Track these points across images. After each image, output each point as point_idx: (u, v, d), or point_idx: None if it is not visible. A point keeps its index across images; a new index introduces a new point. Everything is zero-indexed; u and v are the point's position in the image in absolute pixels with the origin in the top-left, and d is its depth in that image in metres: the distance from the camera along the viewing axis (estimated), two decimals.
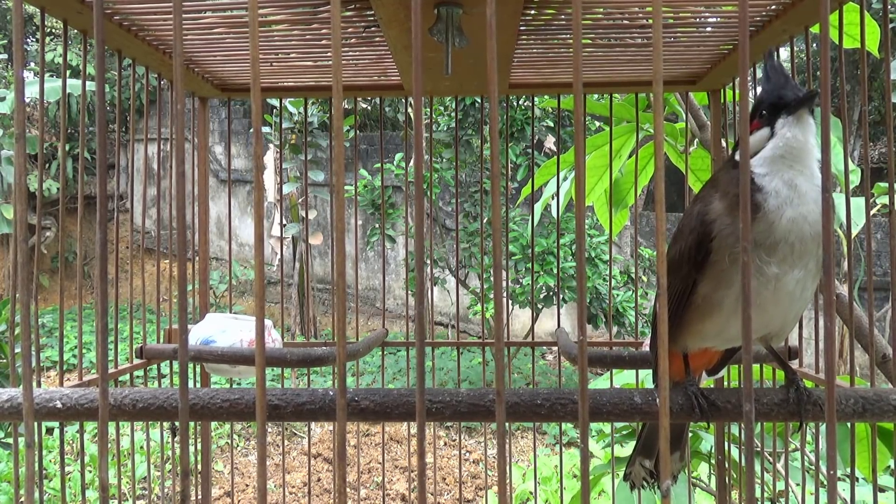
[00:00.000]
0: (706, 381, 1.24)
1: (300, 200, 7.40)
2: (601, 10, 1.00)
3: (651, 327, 1.38)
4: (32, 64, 9.19)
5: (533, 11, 0.99)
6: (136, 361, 1.26)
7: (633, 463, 1.00)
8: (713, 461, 1.45)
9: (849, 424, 0.99)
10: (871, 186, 1.02)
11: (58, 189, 8.55)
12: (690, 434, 1.31)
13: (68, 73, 2.07)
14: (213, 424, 2.51)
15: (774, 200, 0.72)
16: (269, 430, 4.33)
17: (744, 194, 0.41)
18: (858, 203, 1.34)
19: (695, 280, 0.76)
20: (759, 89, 0.84)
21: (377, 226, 6.86)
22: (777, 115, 0.76)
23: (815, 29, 1.01)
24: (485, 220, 5.41)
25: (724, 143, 1.35)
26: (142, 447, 4.32)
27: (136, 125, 1.21)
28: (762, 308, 0.74)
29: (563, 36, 1.10)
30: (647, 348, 1.36)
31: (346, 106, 5.16)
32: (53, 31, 7.63)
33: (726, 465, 1.35)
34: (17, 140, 0.51)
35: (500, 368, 0.40)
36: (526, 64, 1.26)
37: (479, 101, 2.06)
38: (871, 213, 1.08)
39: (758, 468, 1.27)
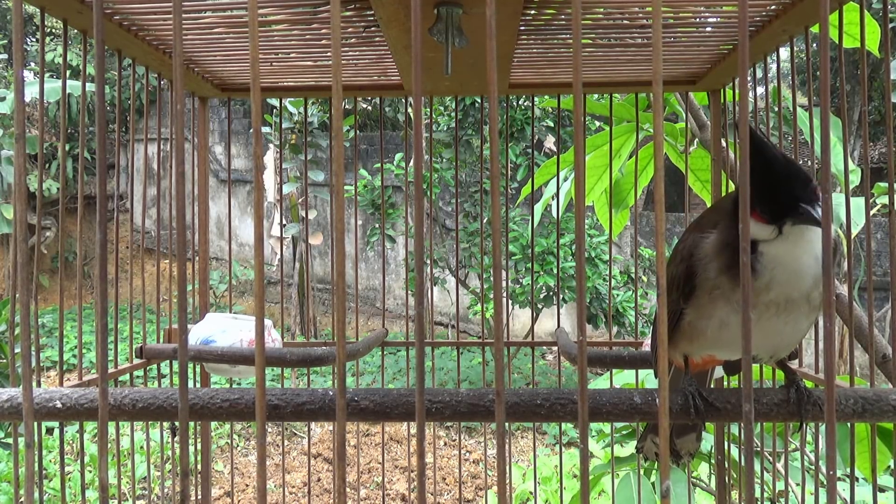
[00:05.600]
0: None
1: (300, 200, 7.40)
2: (601, 10, 1.00)
3: (652, 327, 1.38)
4: (32, 64, 9.19)
5: (533, 11, 0.99)
6: (136, 361, 1.26)
7: (645, 439, 1.03)
8: (713, 461, 1.45)
9: (849, 424, 0.99)
10: (871, 186, 1.03)
11: (58, 189, 8.54)
12: None
13: (68, 73, 2.07)
14: (213, 424, 2.51)
15: (764, 278, 0.71)
16: (269, 430, 4.33)
17: (743, 196, 0.41)
18: (858, 203, 1.34)
19: (682, 307, 0.79)
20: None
21: (377, 226, 6.86)
22: (783, 215, 0.69)
23: (815, 29, 1.01)
24: (485, 220, 5.41)
25: (723, 143, 1.35)
26: (142, 447, 4.32)
27: (136, 125, 1.21)
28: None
29: (563, 36, 1.10)
30: (647, 348, 1.36)
31: (346, 106, 5.16)
32: (53, 31, 7.63)
33: (726, 465, 1.35)
34: (17, 140, 0.51)
35: (499, 368, 0.40)
36: (526, 64, 1.26)
37: (479, 101, 2.06)
38: (871, 213, 1.08)
39: (758, 468, 1.27)
